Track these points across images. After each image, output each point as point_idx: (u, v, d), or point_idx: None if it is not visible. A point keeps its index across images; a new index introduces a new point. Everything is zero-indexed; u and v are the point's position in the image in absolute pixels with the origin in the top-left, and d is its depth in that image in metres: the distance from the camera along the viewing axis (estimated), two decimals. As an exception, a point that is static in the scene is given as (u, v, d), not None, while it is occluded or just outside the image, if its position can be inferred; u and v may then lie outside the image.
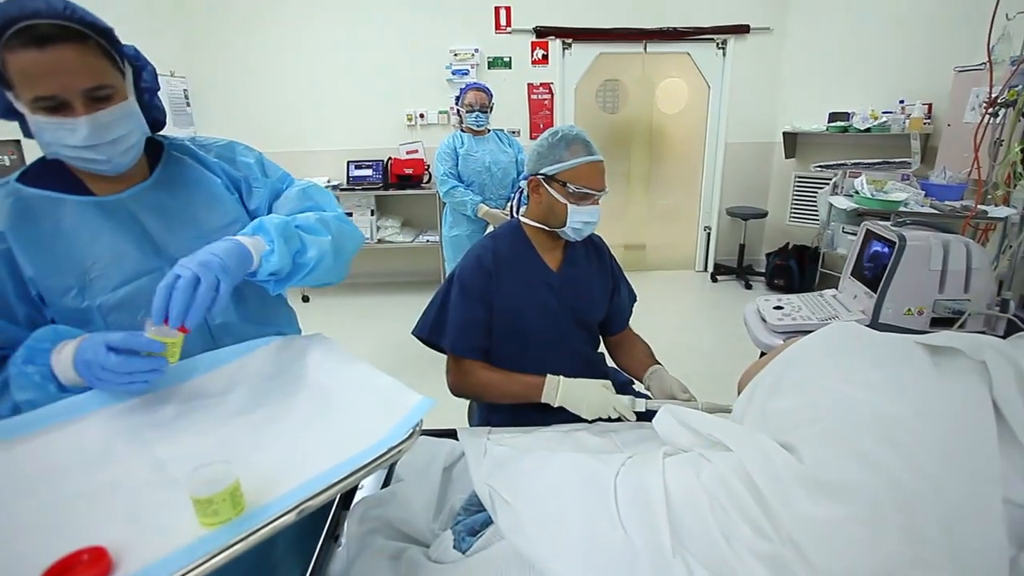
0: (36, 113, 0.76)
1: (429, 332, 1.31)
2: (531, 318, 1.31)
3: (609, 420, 1.16)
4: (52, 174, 0.86)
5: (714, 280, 4.66)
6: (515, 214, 1.45)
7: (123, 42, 0.84)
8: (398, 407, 0.68)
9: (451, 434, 1.16)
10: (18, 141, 2.60)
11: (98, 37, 0.78)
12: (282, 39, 4.18)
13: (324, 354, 0.86)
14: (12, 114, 0.80)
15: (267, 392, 0.80)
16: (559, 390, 1.19)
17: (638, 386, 1.43)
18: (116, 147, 0.82)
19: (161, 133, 0.97)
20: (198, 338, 0.91)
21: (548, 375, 1.21)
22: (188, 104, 4.00)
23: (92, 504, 0.61)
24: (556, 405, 1.19)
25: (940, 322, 1.50)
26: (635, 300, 1.54)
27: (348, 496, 0.99)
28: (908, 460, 0.60)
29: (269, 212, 1.01)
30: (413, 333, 1.35)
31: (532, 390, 1.21)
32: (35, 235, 0.83)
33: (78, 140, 0.78)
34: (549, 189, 1.26)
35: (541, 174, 1.26)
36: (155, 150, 0.95)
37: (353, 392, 0.76)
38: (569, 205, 1.24)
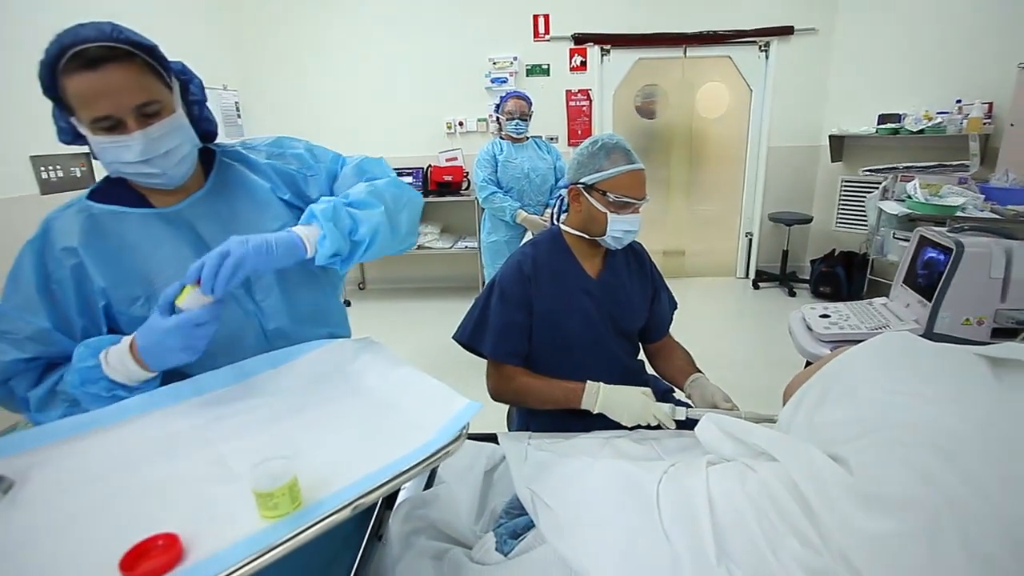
0: (96, 135, 0.81)
1: (469, 337, 1.34)
2: (570, 325, 1.32)
3: (648, 427, 1.16)
4: (118, 190, 0.91)
5: (756, 287, 4.54)
6: (555, 221, 1.46)
7: (178, 58, 0.88)
8: (445, 410, 0.70)
9: (491, 438, 1.18)
10: (88, 154, 2.78)
11: (144, 55, 0.81)
12: (326, 52, 4.33)
13: (374, 357, 0.89)
14: (80, 138, 0.85)
15: (320, 393, 0.83)
16: (599, 397, 1.19)
17: (678, 394, 1.42)
18: (169, 160, 0.85)
19: (214, 142, 1.01)
20: (252, 341, 0.96)
21: (588, 381, 1.21)
22: (239, 116, 4.18)
23: (161, 494, 0.66)
24: (596, 412, 1.19)
25: (1002, 333, 1.42)
26: (675, 307, 1.53)
27: (391, 496, 1.02)
28: (966, 476, 0.58)
29: (331, 195, 1.02)
30: (454, 338, 1.37)
31: (572, 396, 1.21)
32: (104, 249, 0.88)
33: (133, 156, 0.82)
34: (589, 198, 1.26)
35: (581, 183, 1.27)
36: (209, 159, 0.99)
37: (402, 394, 0.79)
38: (609, 214, 1.25)
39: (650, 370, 1.51)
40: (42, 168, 2.57)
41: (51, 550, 0.57)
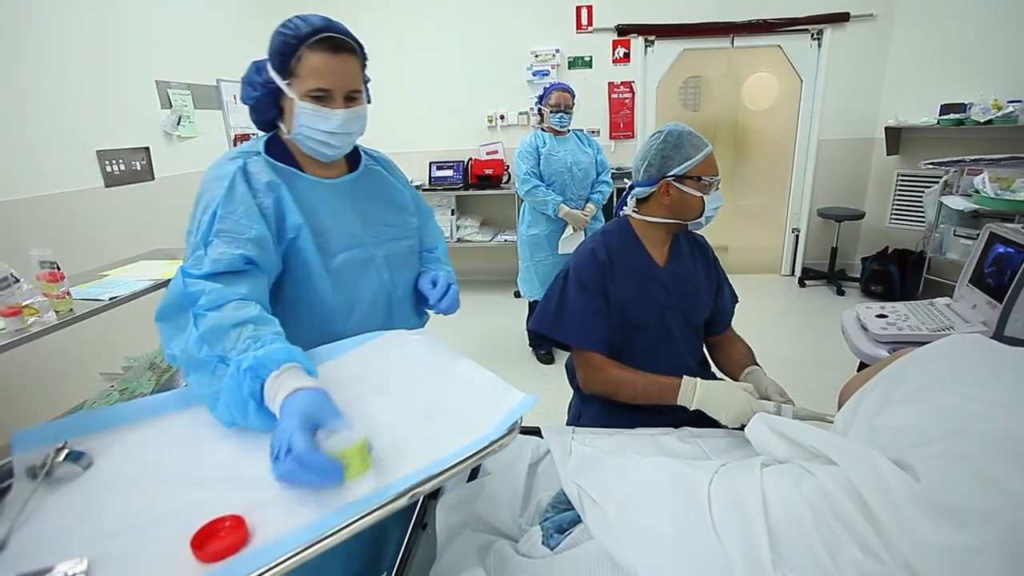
0: (304, 100, 0.95)
1: (549, 327, 1.32)
2: (641, 313, 1.31)
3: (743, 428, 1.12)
4: (279, 153, 1.02)
5: (802, 285, 4.40)
6: (617, 213, 1.45)
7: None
8: (502, 403, 0.70)
9: (535, 432, 1.18)
10: (147, 148, 2.92)
11: (361, 53, 1.00)
12: (368, 46, 4.38)
13: (430, 349, 0.90)
14: (262, 100, 0.98)
15: (377, 383, 0.84)
16: (696, 393, 1.16)
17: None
18: (347, 140, 1.01)
19: None
20: (382, 309, 1.10)
21: (684, 377, 1.19)
22: (286, 111, 4.30)
23: (226, 477, 0.68)
24: (693, 408, 1.15)
25: (1080, 337, 1.34)
26: (736, 301, 1.51)
27: (436, 486, 1.03)
28: (1046, 489, 0.55)
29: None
30: (530, 328, 1.39)
31: (667, 391, 1.19)
32: (290, 192, 0.98)
33: (330, 127, 0.96)
34: (682, 187, 1.26)
35: (671, 176, 1.26)
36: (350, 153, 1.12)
37: (459, 386, 0.80)
38: (704, 196, 1.27)
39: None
40: (107, 162, 2.71)
41: (128, 526, 0.61)
